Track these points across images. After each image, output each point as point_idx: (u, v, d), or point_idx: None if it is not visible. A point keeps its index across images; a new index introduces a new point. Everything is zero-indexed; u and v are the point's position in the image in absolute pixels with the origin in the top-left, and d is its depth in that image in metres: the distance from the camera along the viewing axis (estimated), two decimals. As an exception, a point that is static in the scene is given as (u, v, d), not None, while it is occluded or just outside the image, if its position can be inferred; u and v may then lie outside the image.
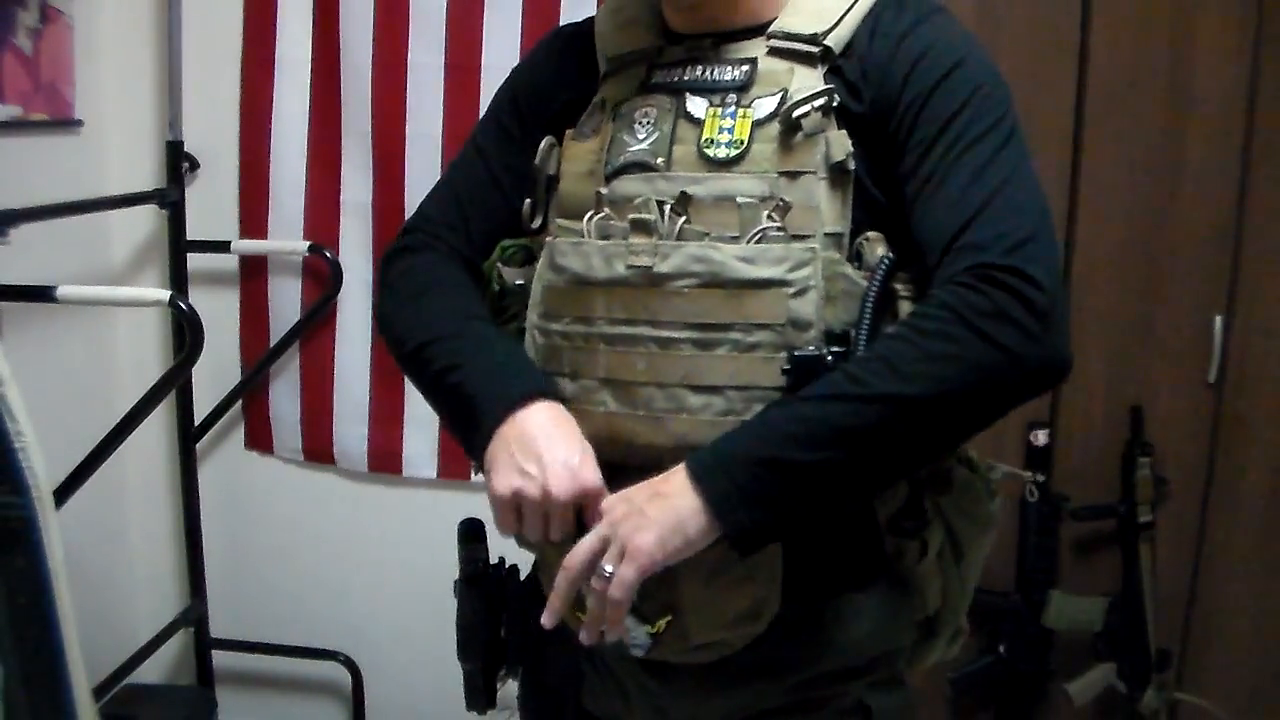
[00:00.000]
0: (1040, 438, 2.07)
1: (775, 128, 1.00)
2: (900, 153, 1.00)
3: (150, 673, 2.31)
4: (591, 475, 0.97)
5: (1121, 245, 2.06)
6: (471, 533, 1.17)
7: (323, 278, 2.27)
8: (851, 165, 1.00)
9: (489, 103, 1.23)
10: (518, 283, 1.12)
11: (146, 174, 2.26)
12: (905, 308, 1.00)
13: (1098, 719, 2.17)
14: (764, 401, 0.97)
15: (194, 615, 2.33)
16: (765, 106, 1.02)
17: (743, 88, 1.03)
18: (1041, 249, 0.91)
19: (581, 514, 0.99)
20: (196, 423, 2.31)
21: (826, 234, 0.99)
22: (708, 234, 1.00)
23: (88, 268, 2.22)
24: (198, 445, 2.33)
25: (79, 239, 2.16)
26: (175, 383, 2.03)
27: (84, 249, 2.21)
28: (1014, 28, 2.04)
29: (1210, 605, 2.13)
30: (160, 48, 2.21)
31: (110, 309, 2.26)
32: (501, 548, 1.18)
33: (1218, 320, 2.04)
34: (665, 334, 0.99)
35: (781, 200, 0.98)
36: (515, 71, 1.22)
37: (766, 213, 0.98)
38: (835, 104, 1.00)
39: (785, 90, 1.01)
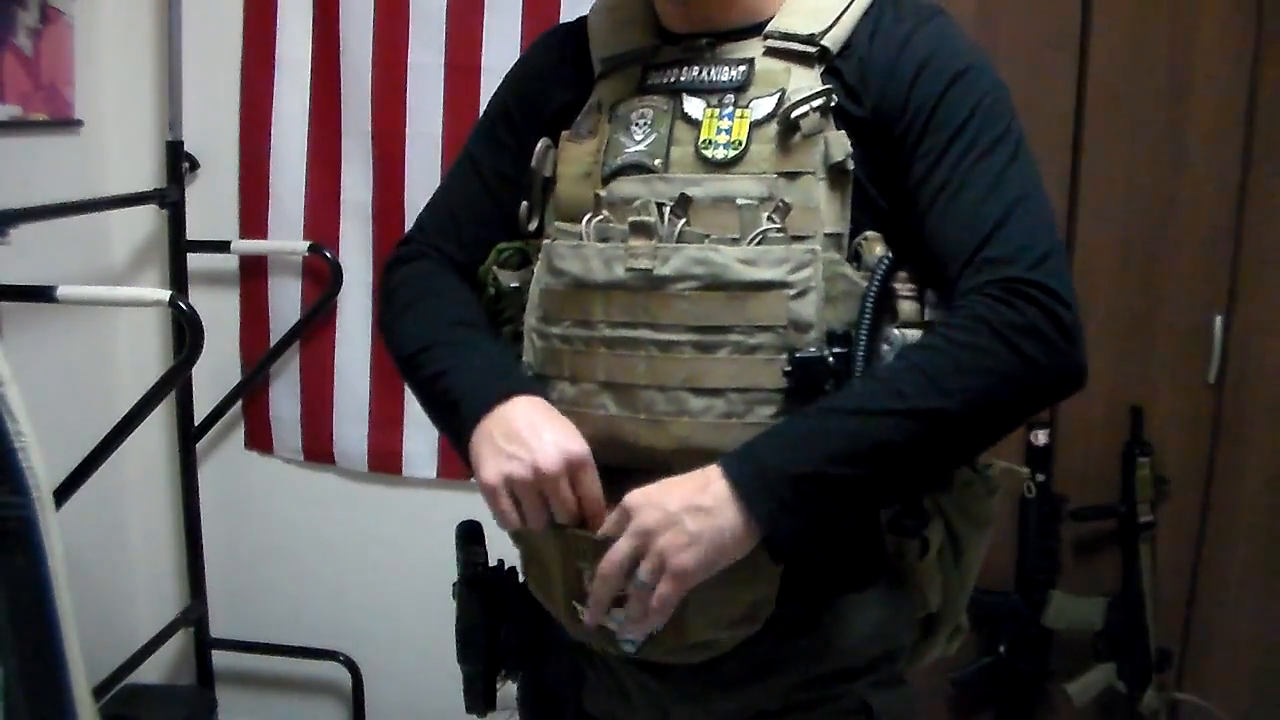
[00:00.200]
0: (1040, 438, 2.07)
1: (773, 128, 1.00)
2: (908, 159, 1.00)
3: (150, 673, 2.31)
4: (578, 445, 0.97)
5: (1121, 245, 2.06)
6: (470, 535, 1.16)
7: (323, 278, 2.27)
8: (850, 165, 0.99)
9: (484, 109, 1.22)
10: (513, 285, 1.12)
11: (146, 174, 2.26)
12: (905, 307, 1.00)
13: (1098, 719, 2.17)
14: (766, 403, 0.97)
15: (194, 615, 2.33)
16: (763, 107, 1.01)
17: (740, 88, 1.03)
18: (1061, 264, 0.94)
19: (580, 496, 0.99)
20: (196, 423, 2.31)
21: (826, 235, 0.99)
22: (708, 236, 0.99)
23: (88, 268, 2.22)
24: (198, 445, 2.34)
25: (79, 239, 2.16)
26: (175, 383, 2.03)
27: (84, 249, 2.21)
28: (1014, 28, 2.04)
29: (1210, 605, 2.13)
30: (160, 48, 2.21)
31: (110, 309, 2.26)
32: (501, 550, 1.18)
33: (1218, 320, 2.04)
34: (666, 337, 0.99)
35: (782, 201, 0.98)
36: (507, 77, 1.22)
37: (766, 214, 0.98)
38: (833, 104, 1.00)
39: (783, 91, 1.01)
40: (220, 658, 2.40)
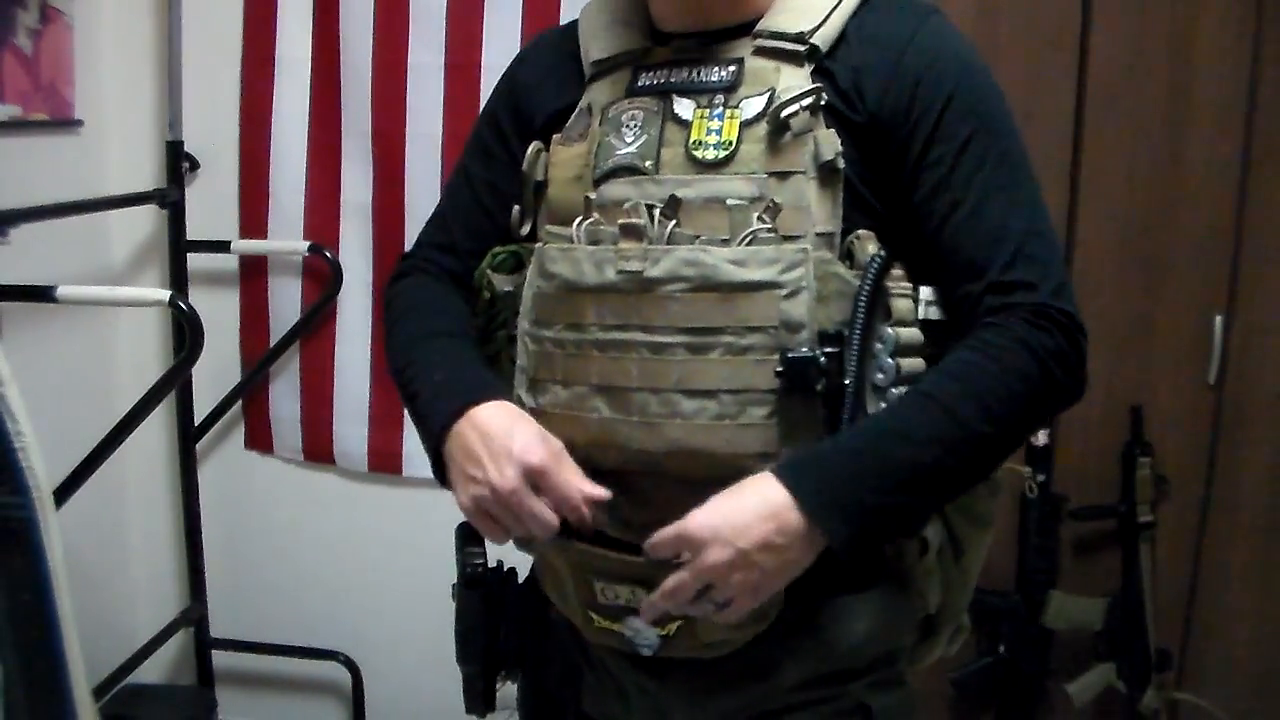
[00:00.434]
0: (1040, 437, 2.07)
1: (763, 128, 1.00)
2: (915, 168, 1.00)
3: (150, 673, 2.31)
4: (533, 454, 0.97)
5: (1121, 245, 2.06)
6: (469, 536, 1.16)
7: (323, 278, 2.28)
8: (841, 164, 0.99)
9: (475, 120, 1.23)
10: (506, 289, 1.12)
11: (146, 174, 2.26)
12: (899, 305, 1.00)
13: (1098, 719, 2.17)
14: (759, 404, 0.97)
15: (194, 615, 2.33)
16: (753, 107, 1.01)
17: (730, 88, 1.03)
18: (1071, 287, 1.00)
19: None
20: (196, 423, 2.31)
21: (817, 234, 0.99)
22: (698, 237, 0.99)
23: (88, 268, 2.22)
24: (198, 445, 2.34)
25: (79, 239, 2.17)
26: (175, 383, 2.03)
27: (84, 249, 2.22)
28: (1014, 27, 2.03)
29: (1210, 605, 2.13)
30: (160, 48, 2.21)
31: (110, 309, 2.26)
32: (500, 550, 1.18)
33: (1218, 320, 2.04)
34: (657, 339, 0.99)
35: (772, 201, 0.98)
36: (498, 86, 1.22)
37: (757, 214, 0.98)
38: (823, 103, 1.00)
39: (773, 90, 1.01)
40: (220, 658, 2.40)
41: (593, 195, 1.04)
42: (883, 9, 1.05)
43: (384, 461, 2.34)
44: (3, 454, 1.34)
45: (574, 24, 1.17)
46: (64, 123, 2.13)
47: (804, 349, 0.96)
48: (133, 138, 2.27)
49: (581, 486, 0.99)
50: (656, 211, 1.00)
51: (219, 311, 2.29)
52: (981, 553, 1.15)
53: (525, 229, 1.13)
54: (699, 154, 1.01)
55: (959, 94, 1.00)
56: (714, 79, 1.04)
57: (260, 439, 2.41)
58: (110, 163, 2.25)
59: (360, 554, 2.40)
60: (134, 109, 2.27)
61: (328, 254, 2.24)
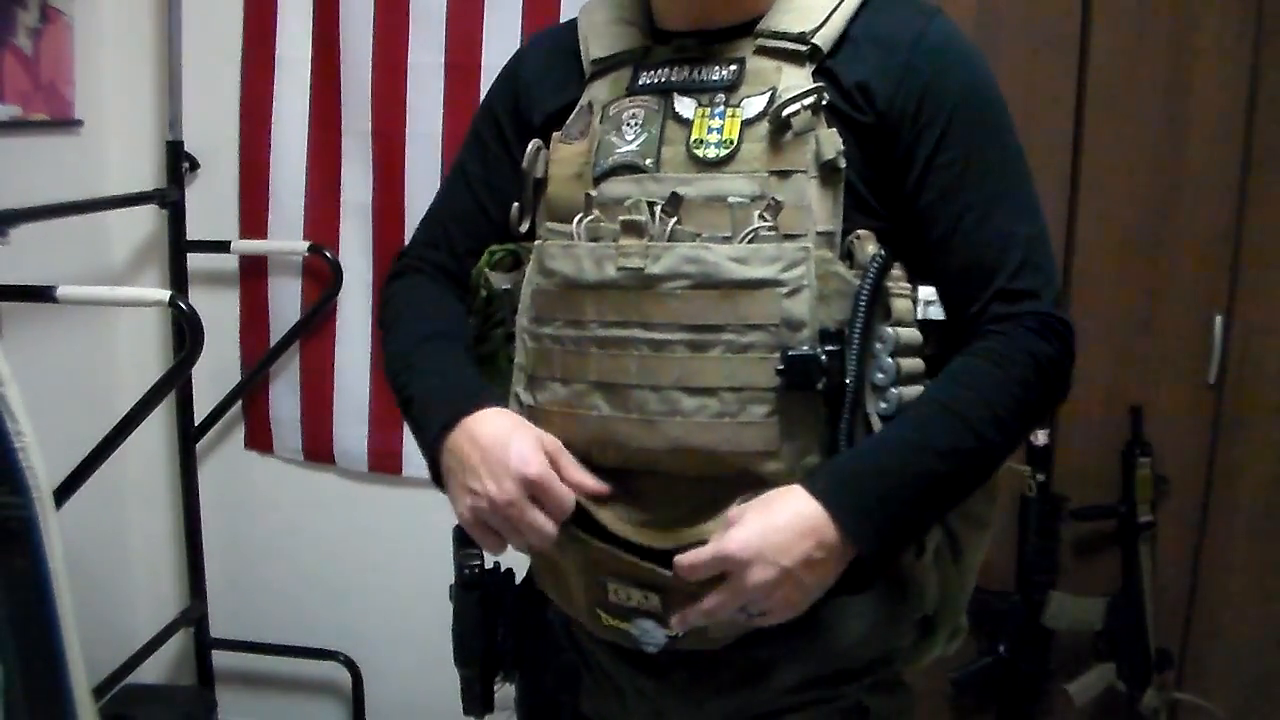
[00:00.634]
0: (1040, 438, 2.07)
1: (764, 127, 1.00)
2: (923, 170, 1.01)
3: (150, 673, 2.31)
4: (530, 465, 0.97)
5: (1121, 245, 2.06)
6: (466, 537, 1.16)
7: (323, 278, 2.28)
8: (842, 164, 1.00)
9: (472, 119, 1.23)
10: (504, 288, 1.12)
11: (146, 174, 2.26)
12: (899, 305, 1.01)
13: (1098, 719, 2.17)
14: (759, 402, 0.97)
15: (194, 615, 2.33)
16: (754, 106, 1.01)
17: (731, 87, 1.03)
18: (1065, 292, 1.04)
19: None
20: (196, 423, 2.31)
21: (818, 233, 0.99)
22: (699, 235, 0.99)
23: (88, 268, 2.22)
24: (198, 445, 2.34)
25: (79, 239, 2.16)
26: (175, 383, 2.03)
27: (84, 249, 2.22)
28: (1014, 28, 2.03)
29: (1210, 605, 2.12)
30: (160, 48, 2.21)
31: (110, 309, 2.26)
32: (499, 551, 1.18)
33: (1218, 320, 2.04)
34: (658, 336, 0.99)
35: (773, 200, 0.98)
36: (495, 85, 1.22)
37: (758, 212, 0.98)
38: (824, 102, 1.00)
39: (774, 89, 1.01)
40: (220, 658, 2.40)
41: (593, 192, 1.04)
42: (885, 9, 1.05)
43: (384, 461, 2.34)
44: (3, 454, 1.34)
45: (573, 22, 1.17)
46: (64, 123, 2.13)
47: (805, 347, 0.96)
48: (133, 138, 2.27)
49: (582, 481, 1.00)
50: (658, 209, 1.00)
51: (219, 311, 2.29)
52: (979, 553, 1.15)
53: (524, 226, 1.13)
54: (700, 152, 1.02)
55: (967, 99, 1.02)
56: (715, 78, 1.04)
57: (260, 439, 2.41)
58: (110, 163, 2.25)
59: (360, 554, 2.40)
60: (134, 109, 2.27)
61: (328, 254, 2.24)
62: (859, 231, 1.01)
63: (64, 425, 1.74)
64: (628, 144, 1.04)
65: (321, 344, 2.33)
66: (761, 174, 0.99)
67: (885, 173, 1.03)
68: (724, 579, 0.95)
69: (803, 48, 1.02)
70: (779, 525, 0.93)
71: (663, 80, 1.06)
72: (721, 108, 1.02)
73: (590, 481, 1.00)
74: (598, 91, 1.09)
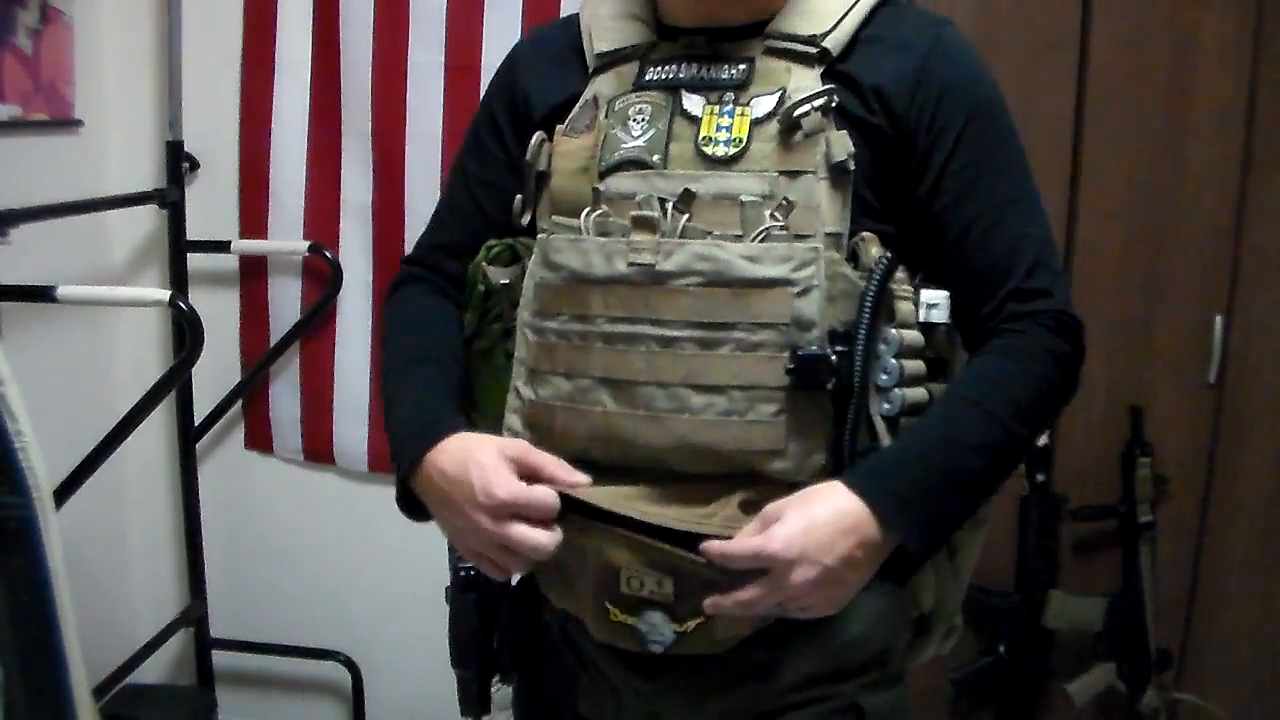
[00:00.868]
0: (1040, 438, 2.07)
1: (774, 127, 1.01)
2: (938, 176, 1.03)
3: (150, 673, 2.31)
4: (495, 492, 0.96)
5: (1121, 245, 2.06)
6: None
7: (323, 278, 2.27)
8: (852, 166, 1.00)
9: (472, 116, 1.22)
10: (502, 282, 1.12)
11: (146, 174, 2.26)
12: (902, 307, 1.01)
13: (1098, 719, 2.17)
14: (767, 401, 0.97)
15: (194, 615, 2.33)
16: (764, 105, 1.02)
17: (740, 86, 1.03)
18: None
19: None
20: (196, 423, 2.31)
21: (826, 234, 0.99)
22: (710, 232, 0.99)
23: (88, 268, 2.22)
24: (198, 445, 2.34)
25: (79, 239, 2.16)
26: (175, 383, 2.03)
27: (84, 249, 2.21)
28: (1014, 28, 2.03)
29: (1210, 605, 2.13)
30: (160, 48, 2.21)
31: (110, 309, 2.26)
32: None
33: (1218, 320, 2.04)
34: (667, 333, 0.99)
35: (785, 199, 0.98)
36: (493, 84, 1.21)
37: (769, 211, 0.98)
38: (834, 104, 1.00)
39: (784, 89, 1.02)
40: (220, 658, 2.40)
41: (601, 187, 1.04)
42: (896, 16, 1.07)
43: (384, 461, 2.33)
44: (3, 454, 1.34)
45: (572, 18, 1.17)
46: (64, 123, 2.13)
47: (814, 347, 0.96)
48: (133, 138, 2.27)
49: (556, 475, 0.98)
50: (669, 205, 1.00)
51: (219, 311, 2.29)
52: (974, 552, 1.15)
53: (526, 219, 1.13)
54: (709, 150, 1.02)
55: (979, 106, 1.04)
56: (724, 76, 1.04)
57: (260, 439, 2.41)
58: (110, 163, 2.25)
59: (360, 554, 2.40)
60: (134, 109, 2.27)
61: (328, 254, 2.24)
62: (864, 234, 1.02)
63: (64, 425, 1.74)
64: (634, 139, 1.04)
65: (321, 344, 2.33)
66: (771, 173, 1.00)
67: (893, 176, 1.04)
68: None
69: (813, 50, 1.03)
70: (822, 522, 0.93)
71: (671, 76, 1.06)
72: (731, 106, 1.03)
73: (566, 475, 0.99)
74: (602, 85, 1.09)
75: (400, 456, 1.05)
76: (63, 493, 1.66)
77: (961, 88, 1.04)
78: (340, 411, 2.34)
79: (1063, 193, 2.05)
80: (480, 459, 0.98)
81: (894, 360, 1.00)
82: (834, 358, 0.96)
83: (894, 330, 1.00)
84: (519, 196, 1.13)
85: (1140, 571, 2.08)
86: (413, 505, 1.07)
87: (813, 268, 0.97)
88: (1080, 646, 2.13)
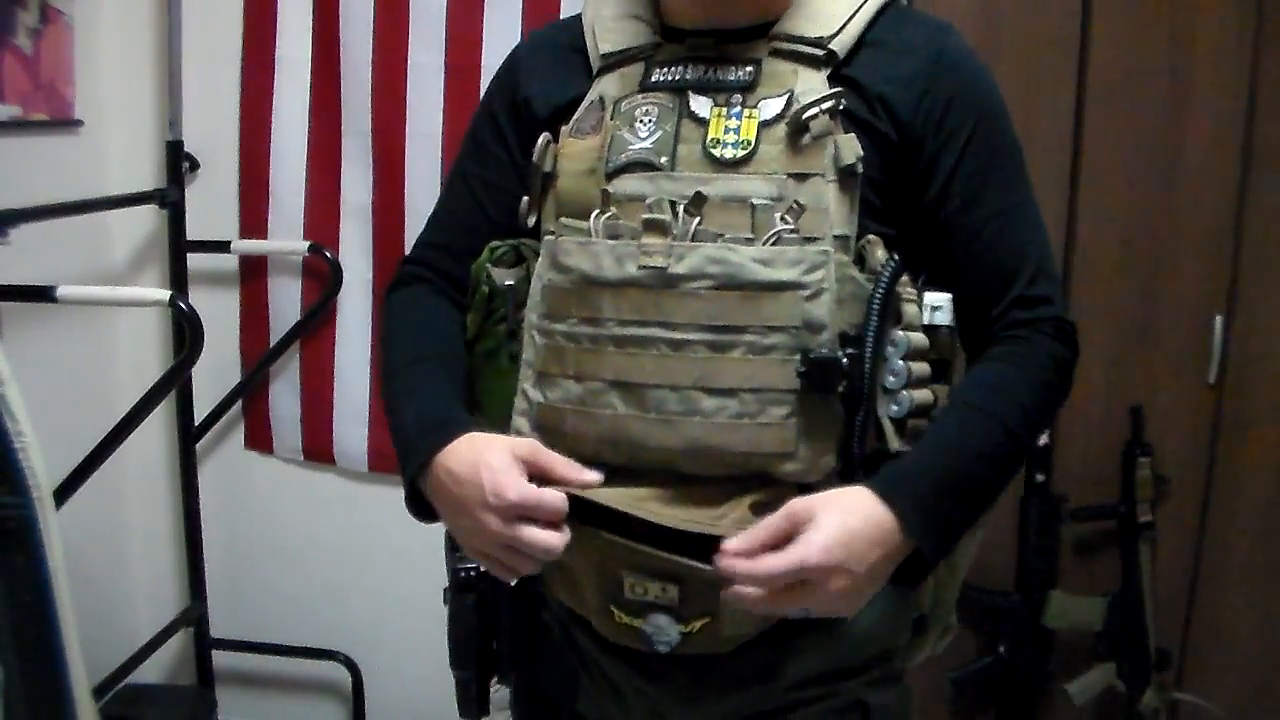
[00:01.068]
0: (1040, 438, 2.07)
1: (782, 129, 1.01)
2: (946, 181, 1.04)
3: (150, 673, 2.31)
4: (505, 493, 0.95)
5: (1121, 245, 2.06)
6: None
7: (323, 278, 2.27)
8: (860, 169, 1.01)
9: (472, 117, 1.22)
10: (508, 283, 1.12)
11: (146, 174, 2.26)
12: (908, 310, 1.02)
13: (1098, 719, 2.17)
14: (778, 404, 0.97)
15: (194, 615, 2.33)
16: (771, 108, 1.02)
17: (748, 88, 1.03)
18: None
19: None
20: (196, 423, 2.31)
21: (834, 236, 1.00)
22: (720, 235, 0.99)
23: (88, 268, 2.22)
24: (198, 445, 2.33)
25: (79, 239, 2.16)
26: (175, 383, 2.03)
27: (84, 249, 2.21)
28: (1014, 28, 2.03)
29: (1210, 605, 2.13)
30: (160, 48, 2.21)
31: (110, 309, 2.26)
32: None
33: (1218, 320, 2.04)
34: (678, 336, 0.99)
35: (796, 202, 0.99)
36: (494, 85, 1.21)
37: (779, 214, 0.99)
38: (841, 107, 1.01)
39: (791, 92, 1.02)
40: (220, 658, 2.40)
41: (609, 189, 1.04)
42: (901, 21, 1.07)
43: (384, 461, 2.33)
44: (3, 454, 1.34)
45: (573, 19, 1.17)
46: (64, 123, 2.13)
47: (825, 350, 0.97)
48: (133, 138, 2.27)
49: (567, 476, 0.98)
50: (679, 208, 1.00)
51: (219, 311, 2.29)
52: (971, 550, 1.15)
53: (531, 220, 1.13)
54: (717, 152, 1.02)
55: (985, 114, 1.06)
56: (732, 78, 1.04)
57: (260, 439, 2.41)
58: (110, 163, 2.25)
59: (360, 554, 2.40)
60: (134, 109, 2.27)
61: (328, 254, 2.24)
62: (870, 237, 1.02)
63: (64, 425, 1.74)
64: (641, 141, 1.04)
65: (321, 344, 2.33)
66: (779, 176, 1.00)
67: (898, 180, 1.04)
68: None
69: (819, 52, 1.03)
70: (857, 532, 0.93)
71: (678, 78, 1.06)
72: (739, 108, 1.03)
73: (576, 474, 0.99)
74: (607, 86, 1.09)
75: (409, 457, 1.04)
76: (63, 493, 1.66)
77: (968, 96, 1.05)
78: (340, 411, 2.34)
79: (1063, 193, 2.04)
80: (490, 460, 0.98)
81: (901, 362, 1.00)
82: (844, 360, 0.96)
83: (901, 333, 1.01)
84: (525, 198, 1.12)
85: (1140, 571, 2.08)
86: (421, 506, 1.07)
87: (823, 271, 0.97)
88: (1080, 646, 2.13)
